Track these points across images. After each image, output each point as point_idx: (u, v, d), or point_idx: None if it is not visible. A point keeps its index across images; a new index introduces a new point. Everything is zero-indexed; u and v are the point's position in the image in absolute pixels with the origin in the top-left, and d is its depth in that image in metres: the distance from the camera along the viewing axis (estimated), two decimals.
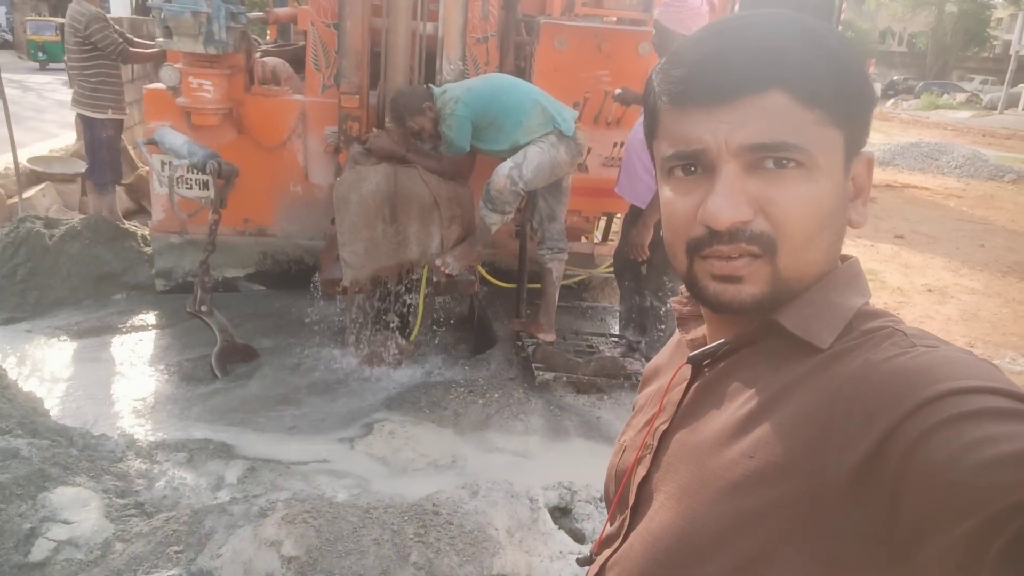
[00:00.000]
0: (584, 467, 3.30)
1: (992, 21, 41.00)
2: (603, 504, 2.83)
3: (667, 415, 0.81)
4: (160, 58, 5.57)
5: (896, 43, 48.47)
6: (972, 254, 8.04)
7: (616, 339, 4.39)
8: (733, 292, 0.71)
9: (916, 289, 6.64)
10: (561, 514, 2.81)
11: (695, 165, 0.71)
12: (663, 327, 4.00)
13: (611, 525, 0.87)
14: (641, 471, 0.81)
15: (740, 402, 0.71)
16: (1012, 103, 29.14)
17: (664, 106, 0.73)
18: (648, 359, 4.06)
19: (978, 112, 28.35)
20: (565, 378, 3.91)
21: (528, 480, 2.95)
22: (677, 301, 0.89)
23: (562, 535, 2.59)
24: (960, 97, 32.82)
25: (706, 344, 0.81)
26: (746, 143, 0.67)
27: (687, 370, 0.81)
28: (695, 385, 0.79)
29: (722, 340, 0.77)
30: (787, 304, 0.71)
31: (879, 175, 13.08)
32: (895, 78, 39.73)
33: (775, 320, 0.71)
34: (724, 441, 0.70)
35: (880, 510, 0.57)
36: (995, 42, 43.42)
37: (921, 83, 36.37)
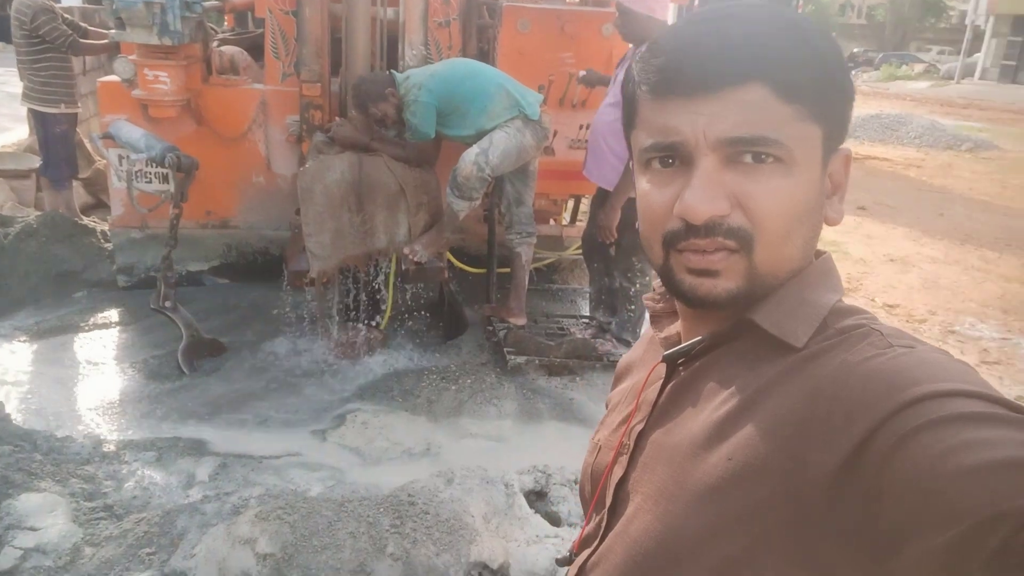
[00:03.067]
0: (558, 450, 3.32)
1: None
2: (579, 486, 2.86)
3: (643, 415, 0.80)
4: (113, 49, 5.42)
5: (855, 15, 48.88)
6: (932, 223, 8.19)
7: (587, 320, 4.41)
8: (709, 286, 0.70)
9: (879, 259, 6.76)
10: (536, 498, 2.83)
11: (673, 157, 0.70)
12: (633, 308, 4.02)
13: (589, 525, 0.86)
14: (618, 471, 0.80)
15: (716, 403, 0.71)
16: (968, 73, 29.63)
17: (643, 96, 0.72)
18: (619, 340, 4.08)
19: (936, 82, 28.78)
20: (537, 361, 3.92)
21: (503, 465, 2.96)
22: (650, 298, 0.88)
23: (538, 519, 2.61)
24: (918, 68, 33.26)
25: (680, 342, 0.80)
26: (724, 136, 0.67)
27: (662, 368, 0.80)
28: (670, 384, 0.79)
29: (697, 338, 0.76)
30: (762, 301, 0.71)
31: None
32: (855, 50, 40.10)
33: (750, 318, 0.71)
34: (701, 443, 0.70)
35: (860, 514, 0.57)
36: (951, 12, 44.00)
37: (880, 55, 36.78)
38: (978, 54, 30.32)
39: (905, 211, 8.68)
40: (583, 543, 0.86)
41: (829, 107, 0.69)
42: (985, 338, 5.14)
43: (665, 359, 0.79)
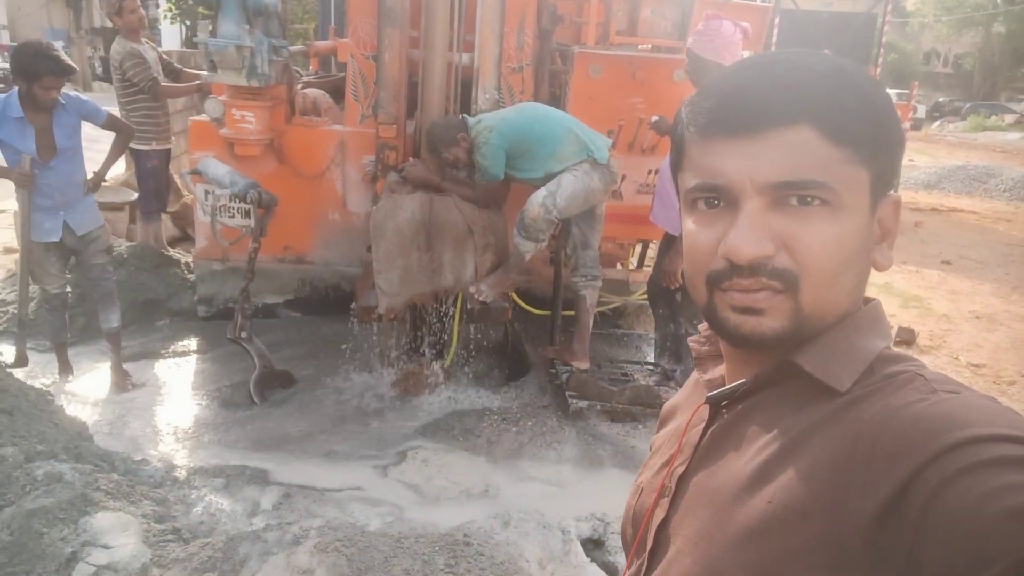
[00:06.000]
0: (618, 497, 3.24)
1: None
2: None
3: (685, 457, 0.80)
4: (193, 91, 5.76)
5: (941, 64, 47.59)
6: (1023, 280, 7.80)
7: (651, 367, 4.35)
8: (753, 323, 0.70)
9: (964, 316, 6.46)
10: (594, 546, 2.78)
11: (718, 198, 0.71)
12: None
13: (631, 570, 0.86)
14: (660, 514, 0.80)
15: (759, 446, 0.70)
16: None
17: (691, 137, 0.73)
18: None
19: None
20: (599, 406, 3.88)
21: (561, 511, 2.93)
22: (695, 340, 0.88)
23: (594, 568, 2.56)
24: (1009, 118, 32.00)
25: (724, 384, 0.80)
26: (771, 181, 0.67)
27: (705, 411, 0.80)
28: (713, 427, 0.79)
29: (741, 381, 0.76)
30: (807, 345, 0.70)
31: (925, 199, 12.80)
32: (940, 99, 38.98)
33: (794, 361, 0.70)
34: (743, 486, 0.69)
35: (902, 555, 0.56)
36: None
37: (968, 104, 35.62)
38: None
39: (993, 266, 8.29)
40: None
41: (877, 151, 0.69)
42: None
43: (708, 401, 0.79)
